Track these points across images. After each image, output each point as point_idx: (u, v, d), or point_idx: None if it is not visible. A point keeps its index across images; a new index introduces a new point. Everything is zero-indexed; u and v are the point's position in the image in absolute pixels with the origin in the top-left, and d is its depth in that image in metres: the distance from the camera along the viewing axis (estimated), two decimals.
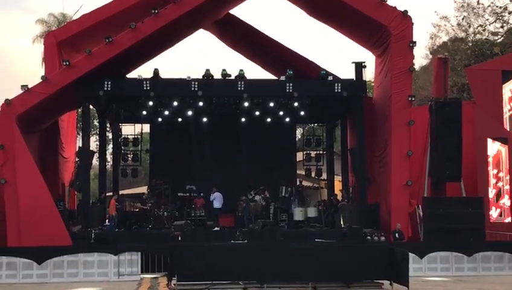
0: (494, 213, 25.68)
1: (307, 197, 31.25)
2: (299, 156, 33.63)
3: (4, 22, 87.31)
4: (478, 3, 40.24)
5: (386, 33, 24.86)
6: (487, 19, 40.70)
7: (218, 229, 25.47)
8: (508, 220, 25.48)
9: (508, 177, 25.55)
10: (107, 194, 29.64)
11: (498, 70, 26.18)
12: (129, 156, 30.90)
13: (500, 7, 39.91)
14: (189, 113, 27.80)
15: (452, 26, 41.86)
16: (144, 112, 27.90)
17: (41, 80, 23.31)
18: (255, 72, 32.29)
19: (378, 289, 18.49)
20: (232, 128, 29.15)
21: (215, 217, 26.33)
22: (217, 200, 26.47)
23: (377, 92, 27.21)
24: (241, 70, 25.70)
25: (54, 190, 24.58)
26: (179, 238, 22.79)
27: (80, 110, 28.71)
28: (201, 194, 27.25)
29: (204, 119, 28.92)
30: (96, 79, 24.29)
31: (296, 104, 26.82)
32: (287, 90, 25.22)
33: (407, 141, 24.47)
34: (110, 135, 35.41)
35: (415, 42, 24.59)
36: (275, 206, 27.23)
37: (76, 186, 26.13)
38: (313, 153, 32.16)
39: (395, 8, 24.60)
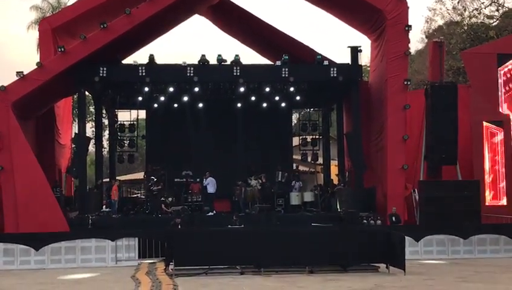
0: (489, 196, 25.76)
1: (304, 181, 31.28)
2: (295, 140, 33.68)
3: None
4: None
5: (381, 17, 24.82)
6: (482, 2, 40.65)
7: (212, 214, 25.55)
8: (503, 202, 25.58)
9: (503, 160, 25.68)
10: (104, 180, 29.67)
11: (493, 54, 26.16)
12: (125, 142, 30.90)
13: None
14: (185, 98, 27.75)
15: (447, 9, 41.82)
16: (140, 98, 27.88)
17: (36, 67, 23.26)
18: (251, 57, 32.22)
19: (374, 273, 18.60)
20: (228, 114, 29.15)
21: (210, 201, 26.37)
22: (210, 185, 26.48)
23: (373, 76, 27.22)
24: (237, 55, 25.67)
25: (50, 176, 24.61)
26: (179, 226, 22.84)
27: (75, 96, 28.66)
28: (198, 179, 27.28)
29: (200, 105, 28.91)
30: (92, 65, 24.22)
31: (291, 89, 26.83)
32: (283, 75, 25.17)
33: (403, 125, 24.52)
34: (106, 121, 35.38)
35: (410, 26, 24.56)
36: (271, 191, 27.26)
37: (73, 173, 26.14)
38: (309, 138, 32.23)
39: None
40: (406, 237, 19.18)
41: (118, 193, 26.01)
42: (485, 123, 25.81)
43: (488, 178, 25.68)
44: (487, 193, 25.51)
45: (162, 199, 25.72)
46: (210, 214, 25.54)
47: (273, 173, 27.92)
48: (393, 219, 23.48)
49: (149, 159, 30.85)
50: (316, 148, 31.80)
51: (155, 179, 26.41)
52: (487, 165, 25.74)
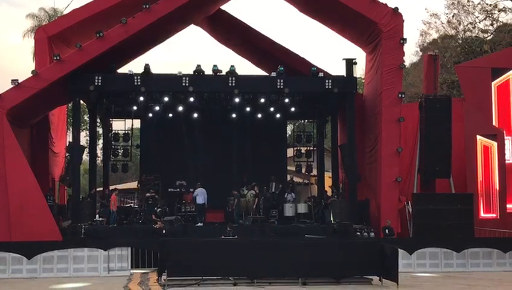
0: (482, 210, 25.79)
1: (298, 192, 31.29)
2: (290, 152, 33.70)
3: None
4: (468, 0, 40.42)
5: (376, 30, 24.93)
6: (477, 17, 40.90)
7: (201, 225, 25.39)
8: (496, 216, 25.61)
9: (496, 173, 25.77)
10: (97, 189, 29.59)
11: (488, 68, 26.34)
12: (119, 151, 30.85)
13: (490, 5, 40.11)
14: (180, 108, 27.77)
15: (442, 23, 42.10)
16: (135, 107, 27.90)
17: (31, 75, 23.23)
18: (246, 68, 32.31)
19: (367, 285, 18.60)
20: (223, 124, 29.17)
21: (198, 212, 26.24)
22: (200, 196, 26.36)
23: (368, 88, 27.30)
24: (232, 66, 25.69)
25: (44, 184, 24.52)
26: (163, 231, 22.79)
27: (70, 105, 28.62)
28: (191, 189, 27.24)
29: (195, 115, 28.90)
30: (87, 74, 24.24)
31: (286, 100, 26.89)
32: (278, 87, 25.20)
33: (397, 137, 24.57)
34: (100, 130, 35.32)
35: (405, 39, 24.68)
36: (265, 202, 27.22)
37: (67, 181, 26.08)
38: (303, 149, 32.23)
39: (386, 5, 24.68)
40: (399, 250, 19.21)
41: (116, 202, 25.90)
42: (478, 137, 25.91)
43: (481, 191, 25.72)
44: (480, 206, 25.56)
45: (155, 209, 25.65)
46: (199, 224, 25.37)
47: (267, 183, 27.91)
48: (387, 231, 23.49)
49: (143, 168, 30.82)
50: (310, 160, 31.81)
51: (153, 193, 26.34)
52: (480, 179, 25.79)
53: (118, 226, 25.04)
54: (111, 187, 28.84)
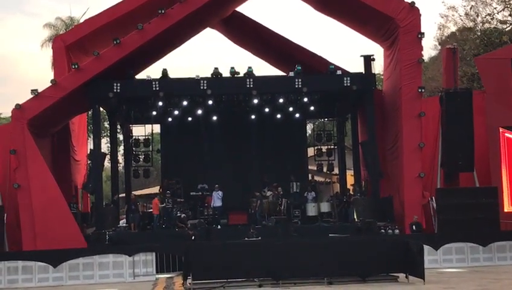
0: (507, 203, 25.46)
1: (319, 191, 31.17)
2: (310, 151, 33.60)
3: (8, 26, 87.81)
4: None
5: (393, 25, 24.78)
6: (495, 8, 40.44)
7: (219, 227, 25.37)
8: None
9: None
10: (120, 195, 29.72)
11: (507, 59, 25.96)
12: (140, 156, 30.94)
13: None
14: (199, 112, 27.84)
15: (460, 16, 41.63)
16: (154, 113, 27.97)
17: (50, 84, 23.41)
18: (264, 68, 32.31)
19: (393, 282, 18.45)
20: (242, 126, 29.17)
21: (217, 215, 26.23)
22: (216, 198, 26.38)
23: (387, 84, 27.13)
24: (250, 67, 25.72)
25: (66, 192, 24.66)
26: (193, 237, 22.81)
27: (90, 112, 28.80)
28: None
29: (214, 118, 28.91)
30: (106, 81, 24.38)
31: (305, 99, 26.81)
32: (296, 86, 25.18)
33: (418, 132, 24.39)
34: (121, 137, 35.50)
35: (423, 33, 24.51)
36: (287, 202, 27.18)
37: (89, 189, 26.23)
38: (324, 148, 32.10)
39: (402, 0, 24.52)
40: (425, 246, 19.07)
41: (158, 206, 25.97)
42: (501, 129, 25.57)
43: (505, 184, 25.40)
44: (505, 199, 25.23)
45: (178, 214, 25.68)
46: (217, 227, 25.32)
47: (288, 184, 27.83)
48: (414, 227, 23.30)
49: (164, 173, 30.90)
50: (331, 158, 31.67)
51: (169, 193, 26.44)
52: (504, 171, 25.47)
53: (142, 232, 25.15)
54: (133, 193, 28.91)
